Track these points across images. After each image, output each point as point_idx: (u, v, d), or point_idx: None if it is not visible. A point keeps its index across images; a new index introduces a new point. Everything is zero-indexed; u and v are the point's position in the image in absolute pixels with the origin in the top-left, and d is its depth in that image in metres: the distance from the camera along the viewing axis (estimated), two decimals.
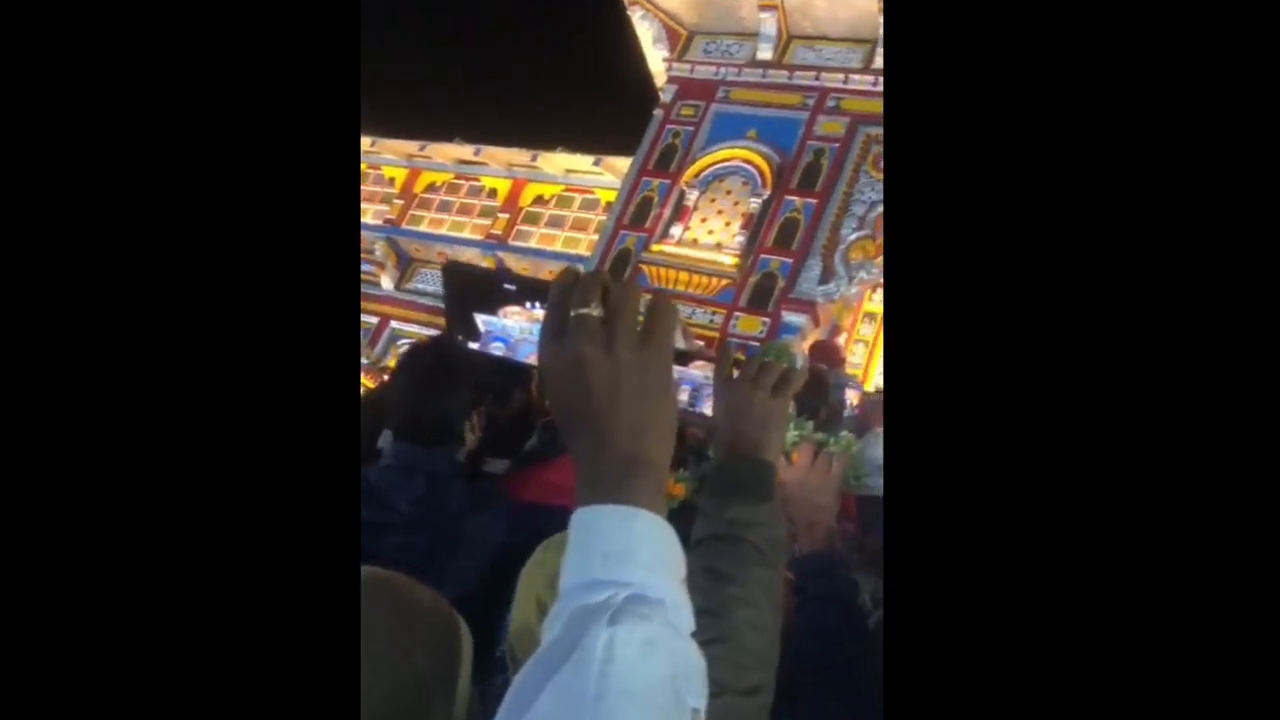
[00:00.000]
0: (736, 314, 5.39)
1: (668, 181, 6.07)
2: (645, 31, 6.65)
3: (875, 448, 2.32)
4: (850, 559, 1.56)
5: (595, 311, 0.54)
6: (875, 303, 8.04)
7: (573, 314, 0.54)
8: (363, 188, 8.65)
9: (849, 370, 5.77)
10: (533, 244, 9.62)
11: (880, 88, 5.78)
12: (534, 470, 1.58)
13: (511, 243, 8.79)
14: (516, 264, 9.47)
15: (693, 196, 5.93)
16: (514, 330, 1.18)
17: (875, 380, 7.25)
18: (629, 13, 6.55)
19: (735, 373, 0.91)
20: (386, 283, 9.01)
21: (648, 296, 0.57)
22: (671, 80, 6.55)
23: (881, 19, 5.73)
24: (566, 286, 0.56)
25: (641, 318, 0.56)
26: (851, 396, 3.80)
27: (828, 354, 4.57)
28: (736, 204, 5.83)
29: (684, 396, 1.98)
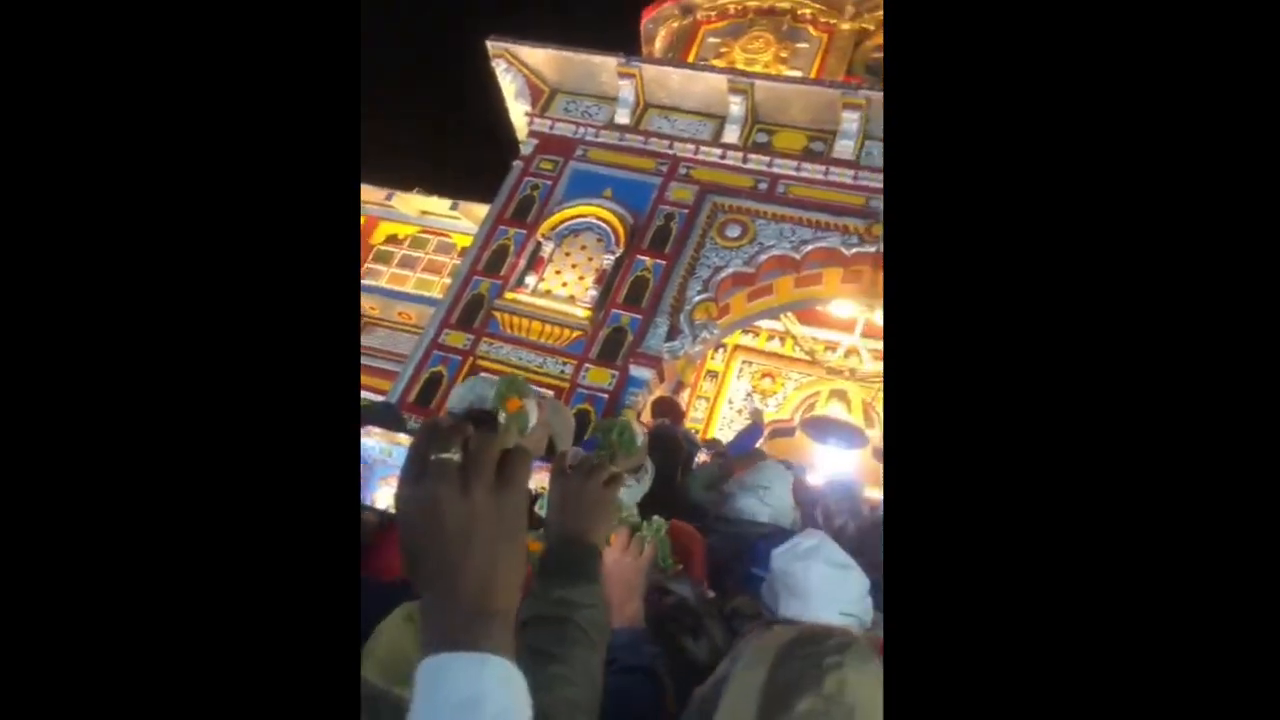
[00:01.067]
0: (587, 365, 5.50)
1: (524, 232, 6.15)
2: (509, 85, 6.78)
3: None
4: (703, 610, 1.65)
5: (455, 456, 0.56)
6: (717, 361, 8.43)
7: (432, 458, 0.56)
8: None
9: (689, 425, 5.99)
10: (383, 283, 9.35)
11: (728, 161, 6.19)
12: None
13: (362, 281, 8.50)
14: (366, 302, 9.14)
15: (548, 248, 6.04)
16: (374, 450, 1.15)
17: (715, 434, 7.56)
18: (494, 64, 6.66)
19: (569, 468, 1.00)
20: None
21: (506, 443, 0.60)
22: (532, 134, 6.69)
23: (730, 98, 6.16)
24: (429, 432, 0.58)
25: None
26: (701, 457, 3.98)
27: (671, 409, 4.76)
28: (590, 259, 5.99)
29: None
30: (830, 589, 1.56)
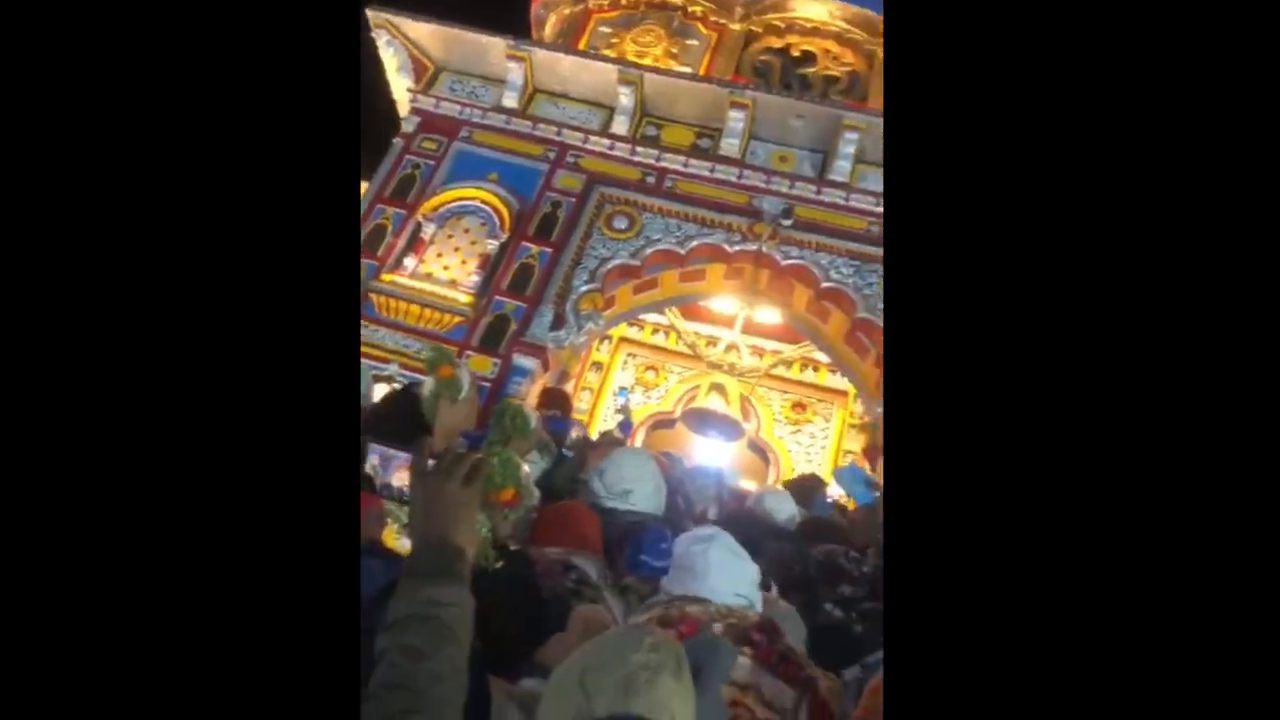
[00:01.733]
0: (468, 352, 5.35)
1: (403, 211, 5.91)
2: (390, 58, 6.48)
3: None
4: (603, 585, 1.85)
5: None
6: (602, 353, 8.44)
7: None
8: None
9: (575, 415, 5.96)
10: None
11: (616, 152, 6.18)
12: None
13: None
14: None
15: (429, 230, 5.83)
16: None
17: (599, 426, 7.57)
18: (375, 35, 6.35)
19: (431, 463, 1.01)
20: None
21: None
22: (415, 111, 6.44)
23: (620, 89, 6.15)
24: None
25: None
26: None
27: (559, 401, 4.71)
28: (473, 243, 5.83)
29: (375, 460, 2.08)
30: (726, 573, 1.69)
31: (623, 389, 8.08)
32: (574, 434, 4.12)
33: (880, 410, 5.42)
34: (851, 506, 4.39)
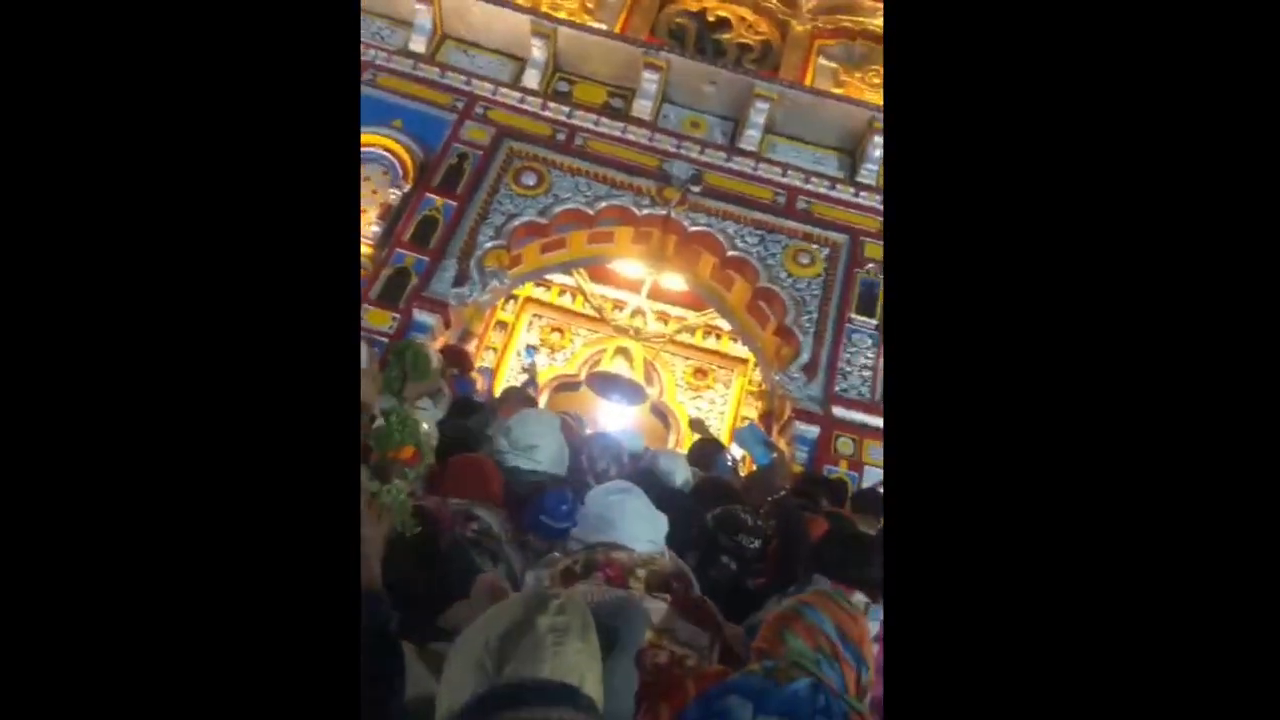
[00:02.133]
0: (367, 305, 5.15)
1: None
2: None
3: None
4: (504, 538, 1.96)
5: None
6: (508, 312, 8.31)
7: None
8: None
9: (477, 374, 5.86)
10: None
11: (526, 106, 6.03)
12: None
13: None
14: None
15: None
16: None
17: (503, 386, 7.48)
18: None
19: None
20: None
21: None
22: None
23: (532, 41, 5.99)
24: None
25: None
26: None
27: (460, 359, 4.61)
28: (374, 192, 5.60)
29: None
30: (641, 522, 1.82)
31: (530, 348, 8.00)
32: (480, 385, 4.08)
33: (777, 377, 5.58)
34: (749, 466, 4.52)
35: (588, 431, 3.91)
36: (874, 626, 1.49)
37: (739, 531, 2.58)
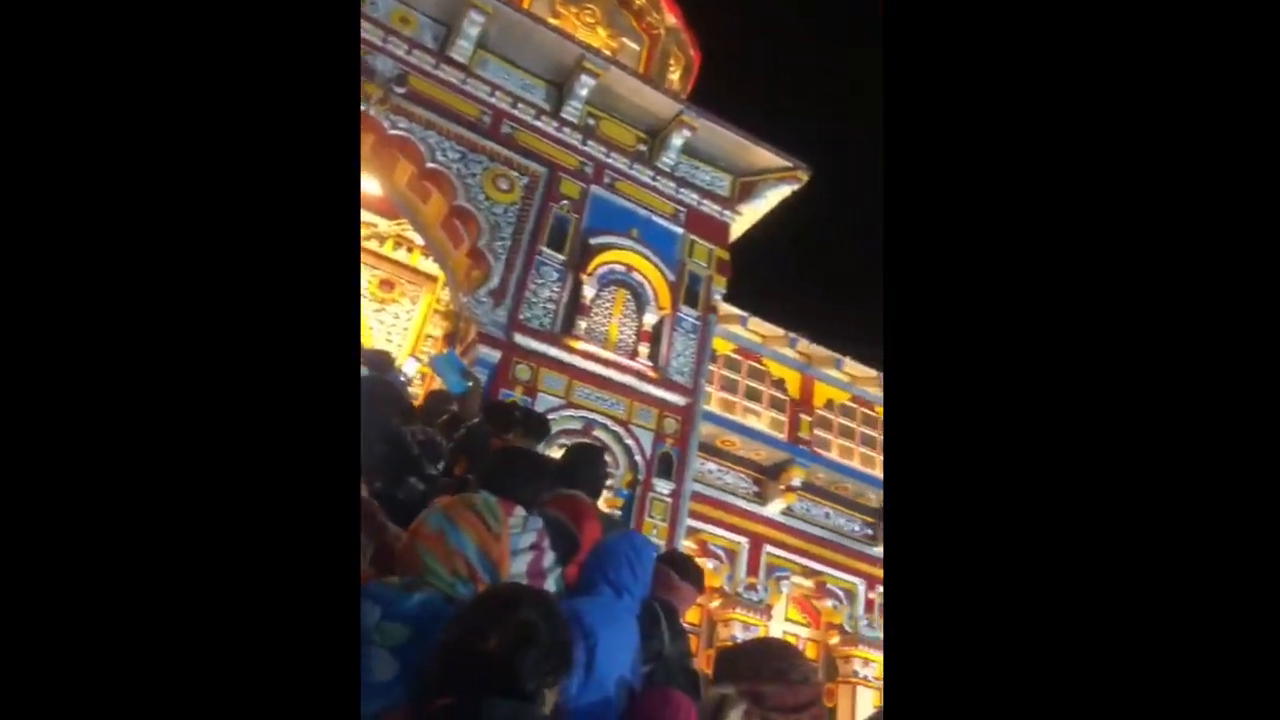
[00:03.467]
0: None
1: None
2: None
3: None
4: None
5: None
6: None
7: None
8: None
9: None
10: None
11: None
12: None
13: None
14: None
15: None
16: None
17: None
18: None
19: None
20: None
21: None
22: None
23: None
24: None
25: None
26: None
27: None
28: None
29: None
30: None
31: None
32: None
33: (465, 299, 5.60)
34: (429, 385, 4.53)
35: None
36: (531, 536, 1.62)
37: (438, 458, 2.65)
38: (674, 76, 8.02)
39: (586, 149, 6.41)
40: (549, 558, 1.63)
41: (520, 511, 1.67)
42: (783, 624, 7.08)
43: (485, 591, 1.19)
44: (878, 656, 6.73)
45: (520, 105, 6.20)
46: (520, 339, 5.57)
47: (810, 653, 7.01)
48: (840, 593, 7.11)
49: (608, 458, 5.60)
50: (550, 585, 1.59)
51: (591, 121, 6.56)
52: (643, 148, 6.72)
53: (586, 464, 2.30)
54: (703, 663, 5.50)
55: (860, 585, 7.19)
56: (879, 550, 7.28)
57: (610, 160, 6.50)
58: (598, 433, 5.70)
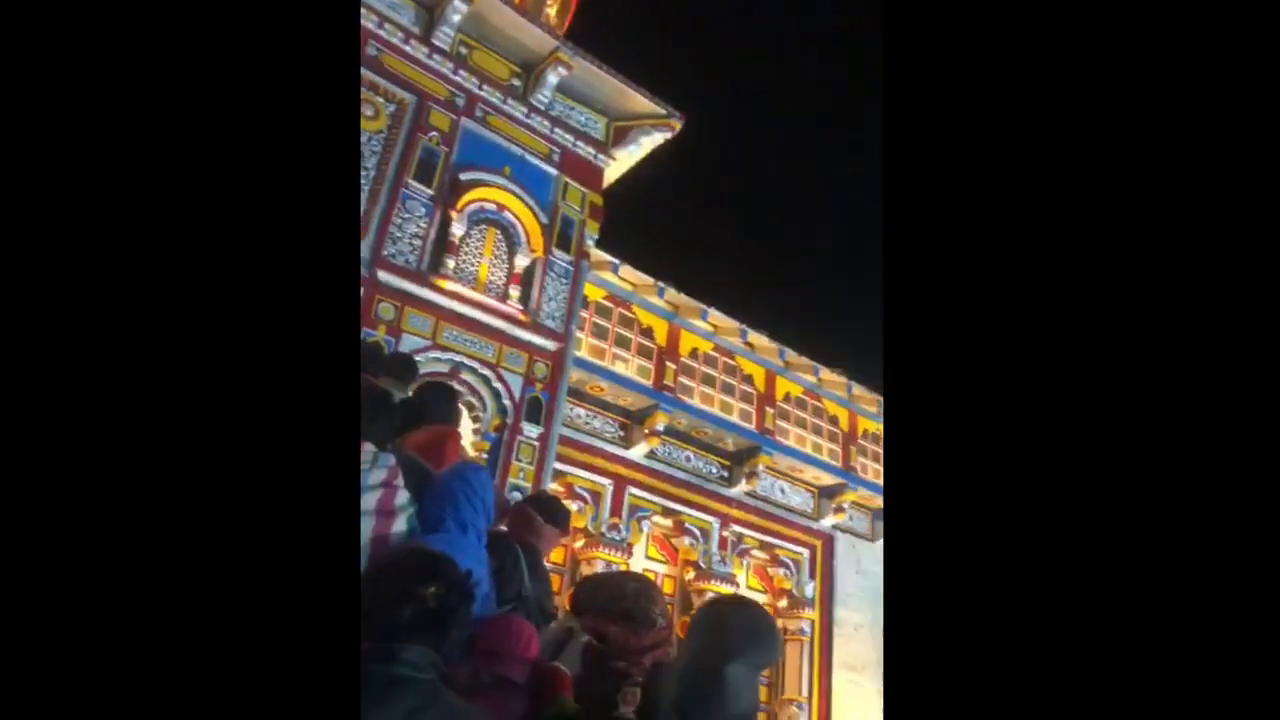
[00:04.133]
0: None
1: None
2: None
3: None
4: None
5: None
6: None
7: None
8: None
9: None
10: None
11: None
12: None
13: None
14: None
15: None
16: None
17: None
18: None
19: None
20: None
21: None
22: None
23: None
24: None
25: None
26: None
27: None
28: None
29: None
30: None
31: None
32: None
33: None
34: None
35: None
36: (381, 474, 1.58)
37: None
38: (551, 11, 7.76)
39: (458, 79, 6.12)
40: (401, 495, 1.61)
41: (370, 448, 1.64)
42: (643, 561, 7.36)
43: (394, 559, 1.18)
44: (729, 590, 7.14)
45: (388, 26, 5.81)
46: (384, 276, 5.33)
47: (667, 588, 7.34)
48: (696, 531, 7.46)
49: (472, 400, 5.53)
50: (401, 523, 1.57)
51: (464, 50, 6.26)
52: (517, 83, 6.50)
53: (437, 401, 2.26)
54: (564, 601, 5.65)
55: (715, 524, 7.58)
56: (733, 491, 7.68)
57: (483, 93, 6.24)
58: (465, 375, 5.59)
